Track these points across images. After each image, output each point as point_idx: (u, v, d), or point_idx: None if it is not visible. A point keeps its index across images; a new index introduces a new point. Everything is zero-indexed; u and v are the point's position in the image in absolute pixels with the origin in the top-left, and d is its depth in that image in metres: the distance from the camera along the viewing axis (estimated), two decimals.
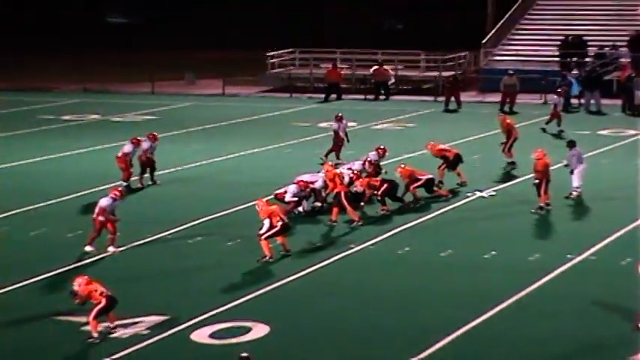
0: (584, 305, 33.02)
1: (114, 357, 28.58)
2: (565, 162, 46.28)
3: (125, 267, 36.98)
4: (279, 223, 36.80)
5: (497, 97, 71.09)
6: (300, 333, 30.85)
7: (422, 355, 29.08)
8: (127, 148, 48.15)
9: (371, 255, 38.10)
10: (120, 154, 47.98)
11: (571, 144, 46.95)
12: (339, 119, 52.86)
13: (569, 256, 37.73)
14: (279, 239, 37.10)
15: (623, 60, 73.81)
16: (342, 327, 31.47)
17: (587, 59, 75.72)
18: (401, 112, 69.37)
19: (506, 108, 69.32)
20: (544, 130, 61.11)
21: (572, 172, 45.63)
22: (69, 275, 34.17)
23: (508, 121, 53.39)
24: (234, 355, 24.92)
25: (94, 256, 37.78)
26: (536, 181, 43.98)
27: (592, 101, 69.74)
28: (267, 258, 36.65)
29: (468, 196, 46.12)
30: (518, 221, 43.06)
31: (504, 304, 33.07)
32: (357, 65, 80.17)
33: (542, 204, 43.52)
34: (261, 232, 36.81)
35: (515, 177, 48.90)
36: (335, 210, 41.88)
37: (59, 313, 31.92)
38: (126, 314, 31.37)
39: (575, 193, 45.26)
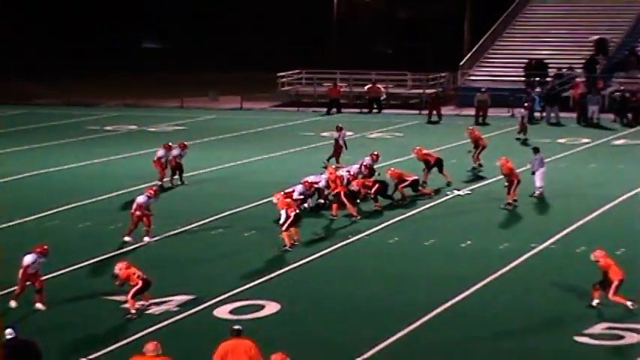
0: (546, 286, 33.15)
1: (148, 330, 28.68)
2: (529, 165, 46.41)
3: (158, 254, 37.05)
4: (293, 214, 36.99)
5: (471, 111, 71.05)
6: (306, 309, 30.96)
7: (410, 327, 29.26)
8: (160, 152, 48.28)
9: (366, 244, 38.19)
10: (155, 158, 48.18)
11: (536, 150, 47.10)
12: (339, 129, 52.98)
13: (532, 244, 37.83)
14: (291, 229, 37.22)
15: (577, 79, 73.76)
16: (342, 304, 31.62)
17: (547, 79, 75.67)
18: (391, 123, 69.38)
19: (480, 120, 69.22)
20: (518, 139, 61.16)
21: (533, 174, 45.74)
22: (111, 261, 34.32)
23: (476, 132, 53.60)
24: (244, 328, 24.93)
25: (132, 245, 37.88)
26: (507, 183, 44.16)
27: (552, 114, 69.77)
28: (288, 247, 36.80)
29: (447, 195, 46.16)
30: (489, 215, 43.06)
31: (478, 285, 33.20)
32: (353, 84, 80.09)
33: (510, 201, 43.60)
34: (281, 222, 37.02)
35: (486, 178, 48.87)
36: (335, 206, 42.02)
37: (103, 293, 32.03)
38: (158, 294, 31.49)
39: (537, 192, 45.32)
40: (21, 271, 30.99)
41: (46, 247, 31.67)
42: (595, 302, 30.47)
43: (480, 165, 50.97)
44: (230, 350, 23.00)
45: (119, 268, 30.59)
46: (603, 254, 30.98)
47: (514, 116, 69.42)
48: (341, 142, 52.75)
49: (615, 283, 30.05)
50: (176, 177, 48.47)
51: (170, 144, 49.24)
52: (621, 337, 28.29)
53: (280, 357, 21.82)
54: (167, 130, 65.01)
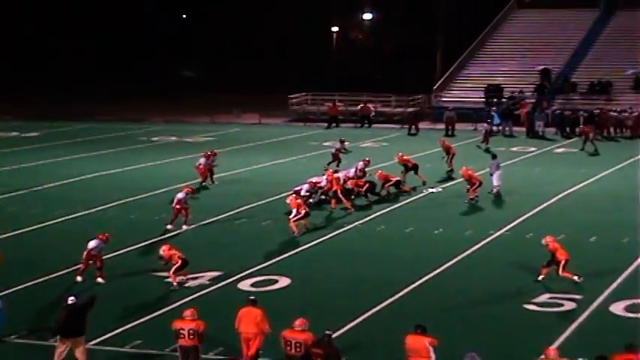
0: (502, 266, 33.20)
1: (186, 299, 28.75)
2: (488, 168, 46.44)
3: (194, 238, 37.14)
4: (303, 211, 37.11)
5: (442, 125, 70.99)
6: (311, 283, 31.02)
7: (394, 298, 29.31)
8: (202, 160, 48.55)
9: (358, 231, 38.19)
10: (197, 164, 48.43)
11: (494, 156, 47.18)
12: (341, 142, 53.10)
13: (491, 232, 37.85)
14: (303, 221, 37.34)
15: (526, 100, 73.74)
16: (339, 278, 31.71)
17: (502, 100, 75.63)
18: (378, 135, 69.34)
19: (449, 132, 69.24)
20: (479, 146, 61.16)
21: (491, 175, 45.76)
22: (157, 244, 34.35)
23: (446, 142, 53.69)
24: (261, 298, 25.01)
25: (173, 232, 37.94)
26: (468, 185, 44.26)
27: (507, 128, 69.80)
28: (296, 234, 36.91)
29: (423, 192, 46.14)
30: (456, 208, 42.98)
31: (448, 264, 33.27)
32: (349, 104, 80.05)
33: (471, 197, 43.63)
34: (291, 217, 37.21)
35: (454, 179, 48.80)
36: (333, 201, 42.08)
37: (151, 270, 32.11)
38: (194, 271, 31.56)
39: (495, 190, 45.26)
40: (85, 252, 31.12)
41: (107, 235, 31.86)
42: (541, 277, 30.55)
43: (452, 170, 50.79)
44: (243, 316, 23.19)
45: (163, 250, 30.75)
46: (552, 239, 31.10)
47: (476, 130, 69.48)
48: (341, 152, 52.74)
49: (562, 262, 30.16)
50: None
51: (209, 152, 49.55)
52: (561, 305, 28.37)
53: (301, 321, 21.96)
54: (200, 141, 65.00)
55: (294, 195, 39.46)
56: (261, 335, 22.99)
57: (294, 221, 37.25)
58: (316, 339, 21.82)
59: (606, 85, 76.00)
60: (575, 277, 30.42)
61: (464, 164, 46.81)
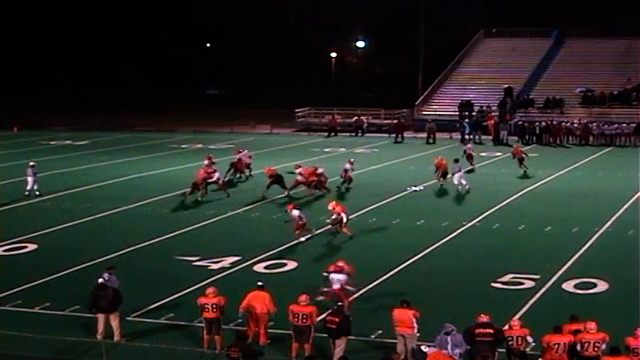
0: (473, 251, 33.16)
1: (210, 280, 28.74)
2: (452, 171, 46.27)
3: (216, 229, 37.13)
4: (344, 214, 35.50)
5: (424, 135, 70.97)
6: (313, 266, 30.93)
7: (380, 280, 29.26)
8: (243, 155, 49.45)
9: (352, 223, 37.91)
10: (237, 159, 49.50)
11: (456, 160, 46.85)
12: (350, 163, 50.58)
13: (464, 222, 37.81)
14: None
15: (492, 113, 73.67)
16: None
17: (473, 113, 75.60)
18: (370, 143, 69.27)
19: (430, 141, 69.28)
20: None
21: (452, 175, 45.57)
22: (185, 235, 34.24)
23: (440, 161, 49.03)
24: (273, 279, 25.03)
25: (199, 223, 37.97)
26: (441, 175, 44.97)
27: (477, 137, 69.80)
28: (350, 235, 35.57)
29: (407, 190, 46.07)
30: (435, 203, 43.03)
31: (427, 250, 33.21)
32: (345, 116, 79.99)
33: (440, 183, 45.26)
34: (343, 222, 35.19)
35: (433, 179, 48.72)
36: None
37: (178, 254, 32.15)
38: (217, 255, 31.55)
39: (459, 188, 45.08)
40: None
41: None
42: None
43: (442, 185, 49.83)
44: (252, 298, 23.10)
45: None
46: (335, 204, 35.92)
47: (452, 138, 69.62)
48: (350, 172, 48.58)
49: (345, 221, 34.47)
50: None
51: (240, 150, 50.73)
52: (522, 283, 28.33)
53: (305, 297, 22.13)
54: (222, 147, 64.83)
55: (334, 202, 36.97)
56: (268, 315, 22.98)
57: (344, 226, 35.25)
58: (314, 311, 22.12)
59: (559, 101, 76.07)
60: (349, 233, 34.46)
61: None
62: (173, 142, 69.99)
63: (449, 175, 46.00)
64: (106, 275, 24.36)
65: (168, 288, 27.90)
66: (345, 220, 35.01)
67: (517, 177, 50.61)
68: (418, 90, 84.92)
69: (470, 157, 53.04)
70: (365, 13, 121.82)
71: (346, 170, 47.19)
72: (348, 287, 25.16)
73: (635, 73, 78.25)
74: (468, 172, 50.00)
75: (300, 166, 45.42)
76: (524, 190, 46.17)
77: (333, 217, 35.20)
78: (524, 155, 52.51)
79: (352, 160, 48.36)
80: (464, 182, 45.40)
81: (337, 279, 25.08)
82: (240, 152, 51.03)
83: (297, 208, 35.29)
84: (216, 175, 45.60)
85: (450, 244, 34.54)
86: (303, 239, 34.70)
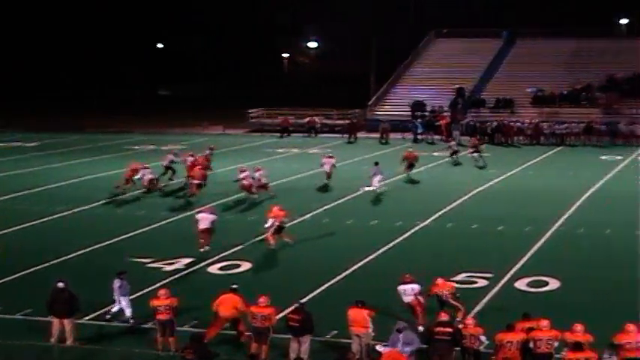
0: (427, 250, 33.32)
1: (165, 281, 28.56)
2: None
3: (171, 230, 36.96)
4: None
5: (377, 134, 71.13)
6: (267, 267, 30.87)
7: (333, 280, 29.26)
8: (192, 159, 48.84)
9: (306, 223, 38.02)
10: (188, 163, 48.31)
11: (376, 163, 46.64)
12: (329, 157, 50.48)
13: (417, 222, 37.93)
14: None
15: (444, 113, 73.98)
16: (293, 263, 31.68)
17: (425, 113, 75.83)
18: (323, 143, 69.21)
19: (383, 141, 69.48)
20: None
21: (370, 177, 45.19)
22: (137, 236, 33.98)
23: (409, 154, 51.49)
24: (230, 281, 24.98)
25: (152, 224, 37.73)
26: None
27: (429, 136, 70.05)
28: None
29: (360, 190, 45.98)
30: (389, 203, 43.08)
31: (382, 250, 33.26)
32: (298, 117, 79.84)
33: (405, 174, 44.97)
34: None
35: (388, 178, 48.75)
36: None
37: (131, 255, 31.96)
38: (170, 257, 31.41)
39: (372, 189, 44.71)
40: None
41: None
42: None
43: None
44: (223, 300, 23.01)
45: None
46: (277, 209, 33.90)
47: (404, 138, 69.90)
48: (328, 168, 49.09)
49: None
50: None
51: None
52: (475, 282, 28.47)
53: (264, 298, 22.15)
54: (175, 148, 64.33)
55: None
56: (241, 316, 22.92)
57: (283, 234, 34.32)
58: (273, 313, 22.09)
59: (510, 101, 76.54)
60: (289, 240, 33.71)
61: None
62: (127, 144, 69.49)
63: (370, 177, 45.49)
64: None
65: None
66: (273, 225, 33.78)
67: (471, 176, 50.86)
68: (370, 90, 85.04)
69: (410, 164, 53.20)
70: (316, 13, 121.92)
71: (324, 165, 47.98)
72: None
73: (584, 73, 78.93)
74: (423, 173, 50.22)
75: (244, 170, 45.18)
76: (476, 189, 46.37)
77: (269, 223, 34.09)
78: (479, 146, 53.99)
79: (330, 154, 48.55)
80: (377, 184, 44.97)
81: (410, 289, 24.32)
82: (193, 157, 50.16)
83: (213, 213, 34.12)
84: (146, 172, 45.95)
85: (403, 244, 34.59)
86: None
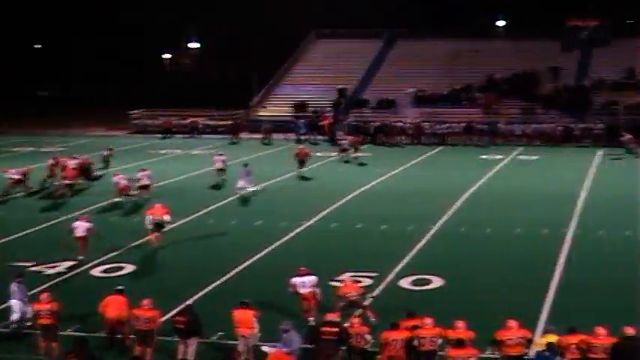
0: (311, 250, 33.33)
1: (47, 285, 28.09)
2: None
3: (52, 233, 36.23)
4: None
5: (260, 135, 71.10)
6: (151, 268, 30.57)
7: (219, 281, 29.17)
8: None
9: (193, 224, 37.76)
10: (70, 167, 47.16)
11: (245, 165, 46.80)
12: (220, 155, 51.32)
13: (302, 222, 38.03)
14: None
15: (326, 114, 74.35)
16: (177, 264, 31.49)
17: (308, 114, 76.09)
18: (206, 144, 68.70)
19: (266, 142, 69.52)
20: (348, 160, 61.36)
21: (240, 179, 44.99)
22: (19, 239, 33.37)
23: (301, 150, 53.37)
24: (113, 284, 24.68)
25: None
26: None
27: (312, 137, 70.31)
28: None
29: (244, 190, 45.88)
30: (273, 203, 43.07)
31: (267, 250, 33.28)
32: (180, 117, 79.22)
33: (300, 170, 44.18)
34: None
35: (271, 179, 48.76)
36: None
37: (15, 260, 31.34)
38: (54, 260, 30.92)
39: (241, 191, 44.59)
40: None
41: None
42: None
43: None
44: (109, 302, 22.82)
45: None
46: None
47: (287, 139, 70.08)
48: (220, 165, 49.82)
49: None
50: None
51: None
52: (360, 281, 28.48)
53: (148, 301, 21.91)
54: (55, 150, 63.30)
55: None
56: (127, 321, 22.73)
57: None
58: (157, 315, 21.95)
59: (391, 101, 77.29)
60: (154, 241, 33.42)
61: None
62: (3, 146, 68.07)
63: (240, 179, 45.30)
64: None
65: (1, 295, 27.17)
66: (152, 222, 33.81)
67: (354, 176, 51.22)
68: (252, 91, 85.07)
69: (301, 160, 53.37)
70: (198, 13, 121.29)
71: (222, 170, 48.29)
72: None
73: (464, 73, 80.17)
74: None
75: (118, 174, 44.68)
76: (360, 189, 46.69)
77: (148, 219, 34.09)
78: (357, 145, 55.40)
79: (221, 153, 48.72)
80: (243, 184, 44.78)
81: (308, 282, 24.80)
82: (60, 159, 49.34)
83: (88, 221, 33.16)
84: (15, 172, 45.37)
85: (288, 244, 34.66)
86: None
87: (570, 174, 51.52)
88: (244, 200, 43.92)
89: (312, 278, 24.83)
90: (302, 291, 24.63)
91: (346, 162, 56.84)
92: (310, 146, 62.05)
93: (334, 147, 64.30)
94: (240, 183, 44.77)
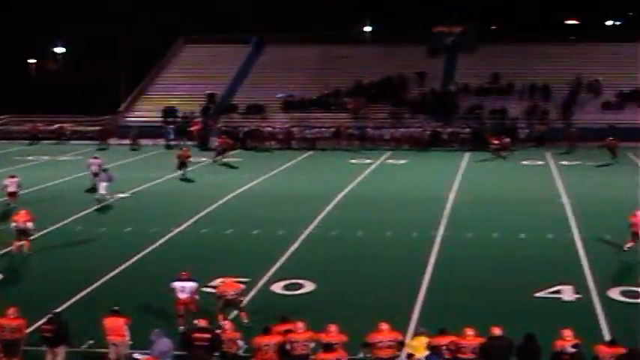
0: (184, 256, 33.04)
1: None
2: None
3: None
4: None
5: (128, 141, 70.21)
6: (21, 277, 29.90)
7: (89, 289, 28.71)
8: None
9: (60, 232, 37.09)
10: None
11: (104, 170, 46.26)
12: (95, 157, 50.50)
13: (172, 228, 37.69)
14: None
15: (196, 119, 74.06)
16: (46, 274, 30.82)
17: (177, 119, 75.71)
18: (75, 150, 67.57)
19: (135, 147, 68.83)
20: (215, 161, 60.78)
21: (98, 183, 44.58)
22: None
23: (184, 152, 53.86)
24: None
25: None
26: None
27: (182, 143, 69.78)
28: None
29: (113, 197, 45.18)
30: (143, 209, 42.59)
31: (138, 257, 32.89)
32: (47, 123, 77.75)
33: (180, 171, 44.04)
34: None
35: (143, 184, 48.23)
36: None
37: None
38: None
39: (100, 197, 43.72)
40: None
41: None
42: None
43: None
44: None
45: None
46: None
47: (157, 144, 69.53)
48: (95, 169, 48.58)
49: None
50: None
51: None
52: (301, 287, 28.62)
53: (14, 310, 21.37)
54: None
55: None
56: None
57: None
58: (23, 325, 21.58)
59: (261, 107, 77.41)
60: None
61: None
62: None
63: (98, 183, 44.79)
64: None
65: None
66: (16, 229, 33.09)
67: (224, 180, 51.09)
68: (121, 96, 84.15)
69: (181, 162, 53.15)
70: (63, 17, 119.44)
71: (97, 174, 47.04)
72: None
73: (333, 78, 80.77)
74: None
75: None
76: (230, 194, 46.55)
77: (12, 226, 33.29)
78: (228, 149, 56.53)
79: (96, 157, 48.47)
80: (104, 192, 44.05)
81: (188, 287, 24.66)
82: None
83: None
84: None
85: (159, 251, 34.30)
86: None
87: (439, 177, 52.34)
88: (112, 207, 43.35)
89: (193, 284, 24.68)
90: (180, 296, 24.51)
91: (221, 165, 56.65)
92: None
93: (204, 152, 64.10)
94: (101, 188, 44.14)
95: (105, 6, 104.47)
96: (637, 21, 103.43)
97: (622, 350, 19.49)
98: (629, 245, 32.77)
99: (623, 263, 31.81)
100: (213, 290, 26.05)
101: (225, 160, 57.66)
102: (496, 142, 62.00)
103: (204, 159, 60.84)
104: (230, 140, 62.26)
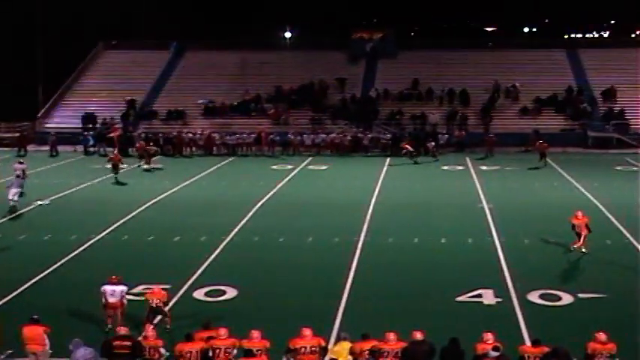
0: (105, 264, 32.69)
1: None
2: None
3: None
4: None
5: (47, 147, 69.29)
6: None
7: (7, 298, 28.30)
8: None
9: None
10: None
11: (17, 176, 46.08)
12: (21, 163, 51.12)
13: (92, 235, 37.29)
14: None
15: (116, 125, 73.43)
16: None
17: (97, 125, 74.96)
18: None
19: (53, 153, 67.98)
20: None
21: (7, 188, 43.91)
22: None
23: (116, 155, 54.95)
24: None
25: None
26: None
27: (101, 149, 69.07)
28: None
29: (34, 204, 44.69)
30: (62, 217, 42.06)
31: (57, 265, 32.50)
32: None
33: (115, 173, 42.97)
34: None
35: (62, 191, 47.66)
36: None
37: None
38: None
39: (11, 203, 42.98)
40: None
41: None
42: None
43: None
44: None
45: None
46: None
47: (76, 150, 68.83)
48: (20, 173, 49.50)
49: None
50: None
51: None
52: (223, 293, 28.45)
53: None
54: None
55: None
56: None
57: None
58: None
59: (181, 112, 77.03)
60: None
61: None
62: None
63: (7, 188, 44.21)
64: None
65: None
66: None
67: (145, 186, 50.74)
68: (39, 102, 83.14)
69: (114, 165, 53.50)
70: None
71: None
72: None
73: (254, 84, 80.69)
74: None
75: None
76: (151, 201, 46.22)
77: None
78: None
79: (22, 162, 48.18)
80: (16, 198, 43.45)
81: (119, 291, 24.86)
82: None
83: None
84: None
85: (79, 258, 33.93)
86: None
87: (360, 183, 52.54)
88: (33, 214, 42.81)
89: (123, 288, 24.86)
90: (110, 300, 24.58)
91: (143, 172, 56.34)
92: (99, 158, 61.09)
93: (125, 158, 63.56)
94: (10, 194, 43.47)
95: (21, 10, 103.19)
96: (552, 28, 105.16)
97: (546, 349, 19.82)
98: (575, 245, 33.44)
99: (542, 267, 32.28)
100: (135, 297, 25.86)
101: (146, 166, 57.28)
102: (407, 146, 62.54)
103: (124, 166, 60.29)
104: (148, 146, 61.82)
